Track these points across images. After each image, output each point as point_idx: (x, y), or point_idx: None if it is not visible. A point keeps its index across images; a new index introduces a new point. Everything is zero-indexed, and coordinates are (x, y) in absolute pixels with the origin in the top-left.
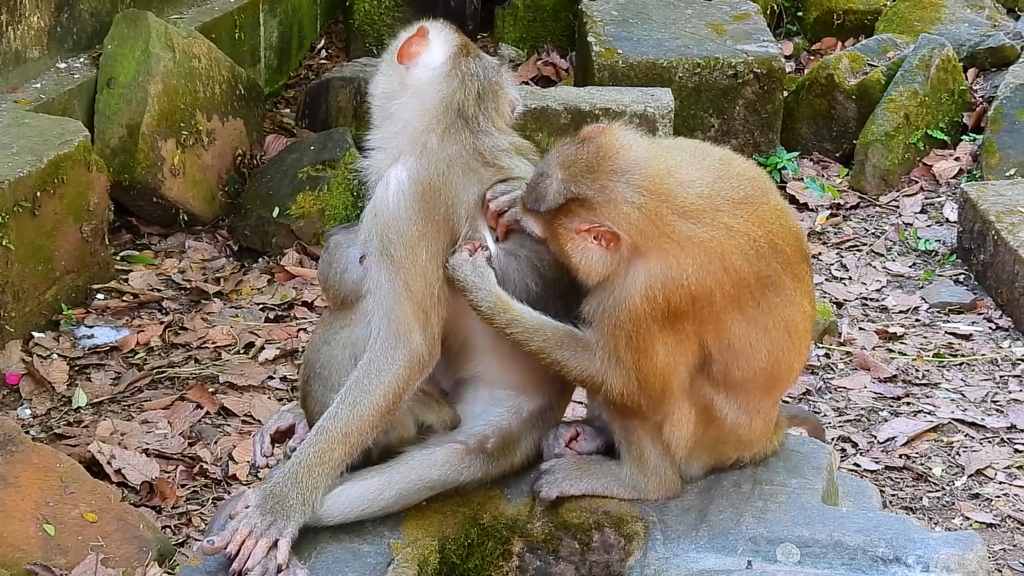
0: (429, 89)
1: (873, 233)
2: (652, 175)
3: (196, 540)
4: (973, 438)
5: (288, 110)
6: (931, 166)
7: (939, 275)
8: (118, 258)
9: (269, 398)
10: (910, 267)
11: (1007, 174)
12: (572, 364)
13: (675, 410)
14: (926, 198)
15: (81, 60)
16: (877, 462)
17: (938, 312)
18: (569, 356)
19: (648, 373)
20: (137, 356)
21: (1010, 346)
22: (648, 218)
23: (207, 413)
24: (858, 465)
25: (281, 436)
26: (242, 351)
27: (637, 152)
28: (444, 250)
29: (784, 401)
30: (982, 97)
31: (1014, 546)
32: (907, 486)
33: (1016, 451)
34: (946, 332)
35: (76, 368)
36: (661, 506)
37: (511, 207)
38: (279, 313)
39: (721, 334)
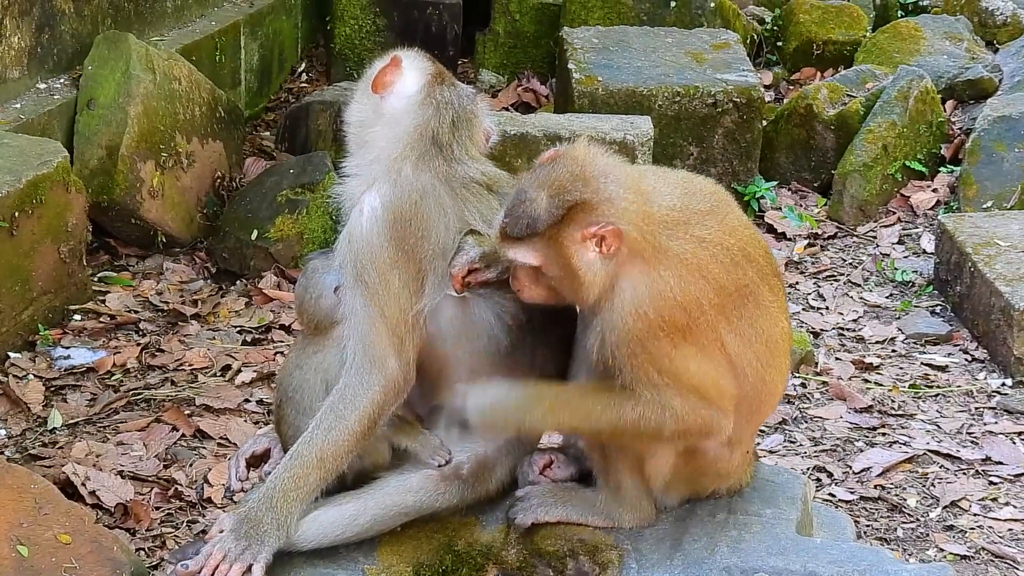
0: (403, 117)
1: (850, 263)
2: (630, 178)
3: (170, 563)
4: (948, 469)
5: (268, 133)
6: (909, 197)
7: (916, 306)
8: (96, 279)
9: (245, 421)
10: (887, 298)
11: (984, 206)
12: (628, 416)
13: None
14: (903, 229)
15: (61, 81)
16: (852, 492)
17: (914, 343)
18: (618, 410)
19: (698, 384)
20: (113, 378)
21: (986, 378)
22: (640, 217)
23: (183, 435)
24: (833, 495)
25: (256, 460)
26: (219, 374)
27: (608, 160)
28: (416, 277)
29: (760, 431)
30: (960, 129)
31: None
32: (882, 517)
33: (991, 483)
34: (922, 363)
35: (52, 389)
36: (636, 534)
37: (482, 262)
38: (256, 336)
39: (720, 344)
